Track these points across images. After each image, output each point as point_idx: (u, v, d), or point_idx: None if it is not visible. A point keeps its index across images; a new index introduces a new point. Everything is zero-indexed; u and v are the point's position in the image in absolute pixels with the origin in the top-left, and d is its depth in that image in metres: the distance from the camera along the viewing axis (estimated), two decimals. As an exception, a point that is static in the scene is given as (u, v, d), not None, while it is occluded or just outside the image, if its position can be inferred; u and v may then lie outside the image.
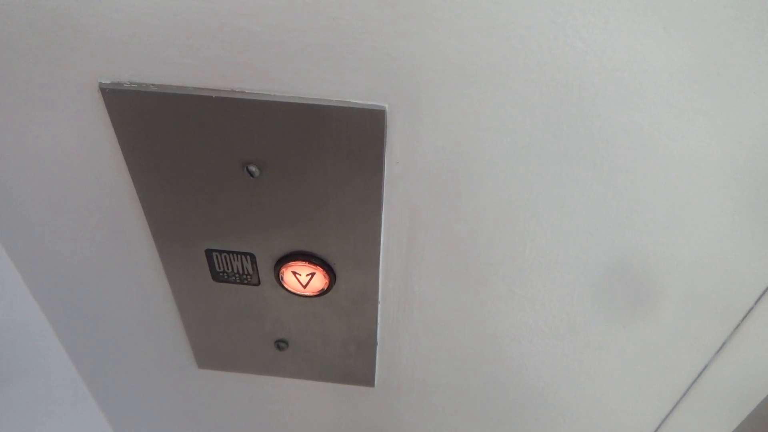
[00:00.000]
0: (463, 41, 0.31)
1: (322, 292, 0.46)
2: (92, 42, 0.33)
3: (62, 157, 0.40)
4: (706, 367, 0.48)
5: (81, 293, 0.51)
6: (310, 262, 0.44)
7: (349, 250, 0.43)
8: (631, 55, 0.31)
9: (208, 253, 0.45)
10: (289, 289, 0.46)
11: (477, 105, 0.34)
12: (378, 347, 0.52)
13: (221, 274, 0.46)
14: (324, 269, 0.44)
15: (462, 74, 0.32)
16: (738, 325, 0.45)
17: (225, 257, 0.45)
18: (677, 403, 0.53)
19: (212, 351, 0.55)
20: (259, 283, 0.47)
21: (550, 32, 0.30)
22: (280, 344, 0.52)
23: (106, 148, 0.39)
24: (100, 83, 0.35)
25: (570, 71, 0.32)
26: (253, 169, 0.38)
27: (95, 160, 0.40)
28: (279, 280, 0.45)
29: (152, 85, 0.35)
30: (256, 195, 0.40)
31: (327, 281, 0.45)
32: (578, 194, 0.38)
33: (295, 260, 0.44)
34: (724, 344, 0.46)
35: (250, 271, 0.46)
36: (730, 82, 0.32)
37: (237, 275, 0.46)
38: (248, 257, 0.45)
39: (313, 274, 0.45)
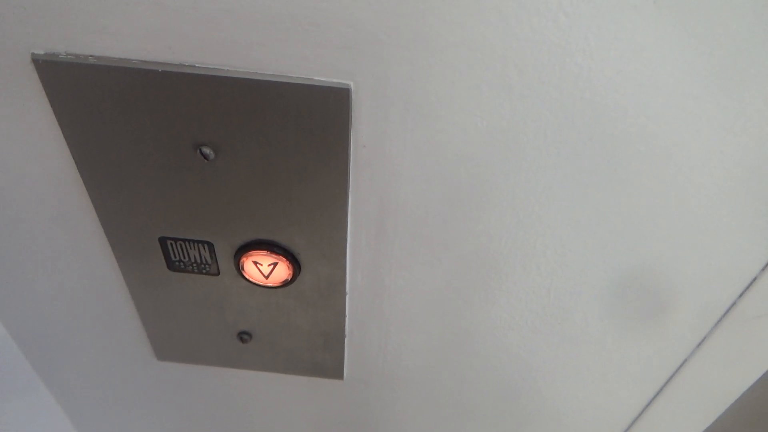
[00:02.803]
0: (434, 13, 0.28)
1: (286, 283, 0.43)
2: (22, 8, 0.30)
3: (-5, 136, 0.36)
4: (684, 361, 0.47)
5: (28, 286, 0.47)
6: (273, 252, 0.41)
7: (314, 239, 0.41)
8: (623, 36, 0.28)
9: (162, 241, 0.41)
10: (250, 279, 0.43)
11: (450, 85, 0.31)
12: (347, 340, 0.50)
13: (177, 263, 0.43)
14: (287, 259, 0.41)
15: (433, 51, 0.29)
16: (719, 321, 0.43)
17: (180, 246, 0.42)
18: (653, 397, 0.52)
19: (172, 343, 0.52)
20: (218, 273, 0.44)
21: (530, 4, 0.27)
22: (243, 336, 0.49)
23: (44, 128, 0.35)
24: (33, 54, 0.31)
25: (553, 49, 0.29)
26: (207, 151, 0.35)
27: (32, 141, 0.36)
28: (239, 270, 0.42)
29: (91, 56, 0.31)
30: (212, 179, 0.37)
31: (291, 271, 0.42)
32: (557, 184, 0.36)
33: (256, 249, 0.41)
34: (704, 339, 0.45)
35: (209, 261, 0.43)
36: (743, 86, 0.30)
37: (194, 265, 0.43)
38: (206, 246, 0.42)
39: (275, 264, 0.42)
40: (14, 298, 0.50)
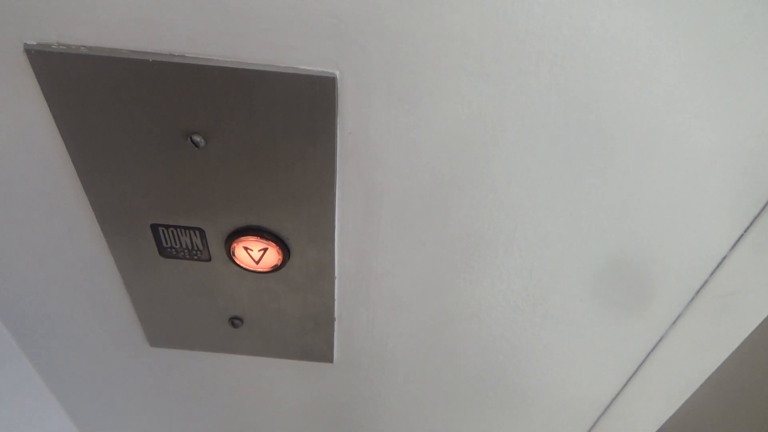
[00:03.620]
0: (413, 5, 0.29)
1: (276, 268, 0.44)
2: (14, -1, 0.31)
3: (-11, 126, 0.37)
4: (660, 339, 0.49)
5: (20, 272, 0.48)
6: (263, 237, 0.42)
7: (302, 225, 0.42)
8: (607, 22, 0.29)
9: (154, 227, 0.42)
10: (241, 265, 0.44)
11: (430, 73, 0.32)
12: (336, 323, 0.51)
13: (169, 249, 0.44)
14: (277, 245, 0.43)
15: (413, 41, 0.31)
16: (692, 299, 0.45)
17: (172, 232, 0.43)
18: (632, 375, 0.54)
19: (164, 329, 0.53)
20: (209, 259, 0.45)
21: (506, -4, 0.29)
22: (235, 321, 0.51)
23: (37, 117, 0.36)
24: (26, 44, 0.32)
25: (528, 37, 0.30)
26: (197, 139, 0.36)
27: (25, 130, 0.37)
28: (230, 255, 0.44)
29: (83, 47, 0.32)
30: (202, 166, 0.38)
31: (281, 257, 0.43)
32: (536, 168, 0.37)
33: (246, 235, 0.42)
34: (678, 317, 0.46)
35: (200, 247, 0.44)
36: (733, 76, 0.31)
37: (186, 251, 0.44)
38: (197, 232, 0.43)
39: (265, 250, 0.43)
40: (5, 283, 0.50)
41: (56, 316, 0.53)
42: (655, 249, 0.42)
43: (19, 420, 0.60)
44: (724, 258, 0.41)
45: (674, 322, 0.47)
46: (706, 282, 0.43)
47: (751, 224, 0.40)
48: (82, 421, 0.69)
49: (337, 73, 0.33)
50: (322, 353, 0.54)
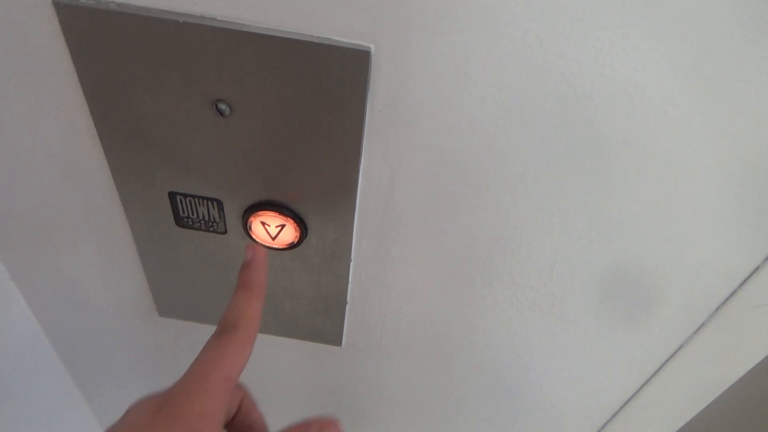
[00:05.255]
0: (461, -22, 0.28)
1: (292, 246, 0.43)
2: (46, -52, 0.30)
3: (11, 84, 0.36)
4: (680, 347, 0.48)
5: (36, 234, 0.48)
6: (281, 213, 0.41)
7: (323, 204, 0.41)
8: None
9: (172, 196, 0.42)
10: (257, 240, 0.43)
11: (469, 53, 0.31)
12: (348, 307, 0.51)
13: (185, 219, 0.43)
14: (295, 222, 0.42)
15: (454, 17, 0.29)
16: (717, 309, 0.43)
17: (190, 201, 0.42)
18: (646, 382, 0.52)
19: (174, 299, 0.52)
20: (225, 232, 0.44)
21: (556, -24, 0.27)
22: (246, 297, 0.50)
23: (62, 75, 0.35)
24: (54, -3, 0.31)
25: (574, 22, 0.29)
26: (223, 107, 0.35)
27: (48, 88, 0.36)
28: (247, 229, 0.43)
29: (112, 3, 0.31)
30: (226, 136, 0.37)
31: (297, 234, 0.42)
32: (569, 164, 0.36)
33: (264, 210, 0.41)
34: (701, 326, 0.45)
35: (217, 219, 0.43)
36: (725, 86, 0.30)
37: (202, 222, 0.43)
38: (215, 203, 0.42)
39: (283, 226, 0.42)
40: (21, 247, 0.50)
41: (68, 278, 0.53)
42: (682, 256, 0.40)
43: (25, 383, 0.60)
44: (756, 269, 0.40)
45: (696, 331, 0.46)
46: (734, 292, 0.42)
47: (785, 236, 0.38)
48: (87, 386, 0.69)
49: (372, 47, 0.31)
50: (331, 336, 0.54)
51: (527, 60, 0.31)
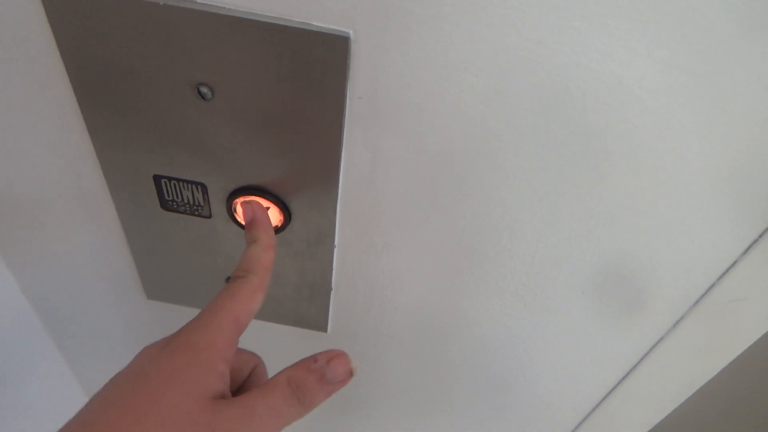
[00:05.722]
0: (438, -35, 0.28)
1: (276, 230, 0.44)
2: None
3: (-3, 59, 0.36)
4: (661, 339, 0.48)
5: (24, 216, 0.48)
6: (265, 198, 0.41)
7: (305, 189, 0.41)
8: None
9: (157, 179, 0.42)
10: (241, 223, 0.44)
11: (447, 40, 0.31)
12: (332, 293, 0.51)
13: (170, 202, 0.44)
14: (278, 207, 0.42)
15: (434, 2, 0.29)
16: (696, 303, 0.44)
17: (174, 185, 0.42)
18: (627, 373, 0.53)
19: (162, 283, 0.53)
20: (210, 216, 0.44)
21: (533, -37, 0.27)
22: (232, 281, 0.50)
23: (47, 57, 0.36)
24: (37, -24, 0.32)
25: (553, 10, 0.29)
26: (204, 90, 0.35)
27: (33, 68, 0.36)
28: (231, 213, 0.43)
29: (94, -16, 0.31)
30: (208, 120, 0.37)
31: (281, 218, 0.43)
32: (550, 154, 0.36)
33: (248, 194, 0.41)
34: (680, 319, 0.45)
35: (201, 203, 0.43)
36: (705, 78, 0.30)
37: (187, 205, 0.44)
38: (199, 187, 0.42)
39: (266, 210, 0.42)
40: (10, 228, 0.50)
41: (57, 259, 0.53)
42: (662, 247, 0.41)
43: (17, 362, 0.61)
44: (735, 262, 0.40)
45: (675, 324, 0.46)
46: (712, 285, 0.42)
47: (765, 231, 0.38)
48: (78, 366, 0.70)
49: (351, 33, 0.32)
50: (317, 322, 0.54)
51: (505, 47, 0.31)
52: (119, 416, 0.25)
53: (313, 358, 0.31)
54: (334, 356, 0.31)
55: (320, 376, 0.30)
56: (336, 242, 0.45)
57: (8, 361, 0.60)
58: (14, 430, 0.63)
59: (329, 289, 0.50)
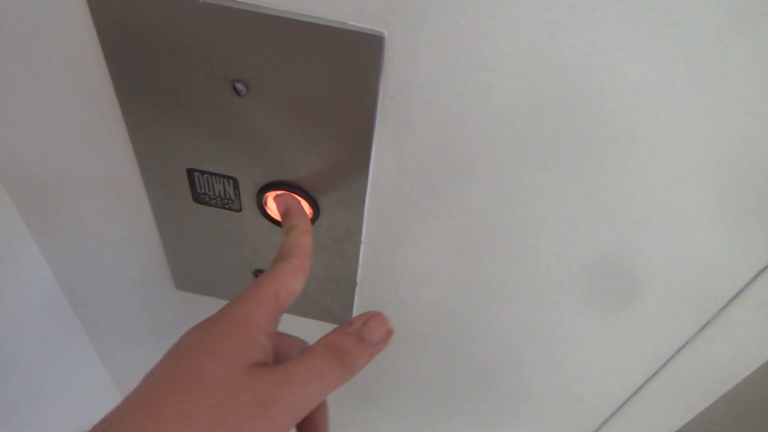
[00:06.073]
0: (474, -33, 0.28)
1: (304, 226, 0.45)
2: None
3: (41, 52, 0.38)
4: (685, 344, 0.48)
5: (59, 205, 0.50)
6: (294, 193, 0.42)
7: (335, 185, 0.42)
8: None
9: (190, 172, 0.43)
10: (271, 217, 0.45)
11: (481, 42, 0.31)
12: (357, 288, 0.52)
13: (202, 195, 0.45)
14: (308, 202, 0.43)
15: (468, 3, 0.30)
16: (723, 307, 0.43)
17: (207, 178, 0.43)
18: (650, 378, 0.52)
19: (190, 273, 0.54)
20: (240, 210, 0.45)
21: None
22: (259, 274, 0.51)
23: (88, 50, 0.37)
24: (83, -26, 0.33)
25: (587, 15, 0.29)
26: (240, 86, 0.36)
27: (74, 60, 0.38)
28: (261, 208, 0.44)
29: (137, -18, 0.32)
30: (242, 115, 0.38)
31: (310, 214, 0.43)
32: (578, 155, 0.36)
33: (278, 189, 0.42)
34: (705, 325, 0.45)
35: (232, 196, 0.44)
36: (712, 78, 0.30)
37: (218, 198, 0.45)
38: (231, 181, 0.43)
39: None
40: (44, 216, 0.52)
41: (90, 247, 0.55)
42: (690, 251, 0.40)
43: (46, 345, 0.63)
44: (764, 268, 0.40)
45: (702, 329, 0.46)
46: (741, 291, 0.42)
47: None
48: (105, 351, 0.72)
49: (386, 33, 0.32)
50: (340, 316, 0.55)
51: (538, 50, 0.31)
52: (165, 387, 0.26)
53: (350, 322, 0.31)
54: (370, 317, 0.31)
55: (359, 338, 0.30)
56: (363, 238, 0.46)
57: (39, 344, 0.62)
58: (41, 413, 0.65)
59: (354, 284, 0.51)
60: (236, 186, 0.43)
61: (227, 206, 0.45)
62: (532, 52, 0.31)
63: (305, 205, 0.43)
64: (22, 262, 0.56)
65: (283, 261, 0.33)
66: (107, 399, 0.78)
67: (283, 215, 0.38)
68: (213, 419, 0.25)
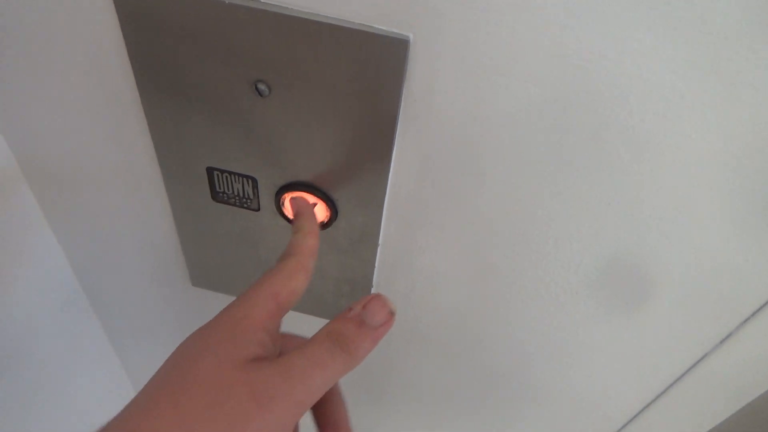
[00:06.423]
0: (502, -28, 0.28)
1: (322, 227, 0.45)
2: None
3: (66, 49, 0.38)
4: (705, 356, 0.47)
5: (80, 199, 0.50)
6: (313, 194, 0.42)
7: (354, 188, 0.42)
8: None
9: (210, 170, 0.43)
10: (288, 218, 0.45)
11: (506, 47, 0.31)
12: (372, 290, 0.52)
13: (221, 194, 0.45)
14: (326, 203, 0.43)
15: (494, 8, 0.30)
16: (746, 321, 0.43)
17: (226, 177, 0.43)
18: (667, 388, 0.52)
19: (207, 271, 0.54)
20: (258, 209, 0.45)
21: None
22: (275, 273, 0.51)
23: (112, 45, 0.37)
24: (110, -27, 0.33)
25: (612, 20, 0.29)
26: (262, 87, 0.36)
27: (98, 56, 0.38)
28: (279, 208, 0.44)
29: (164, -19, 0.33)
30: (263, 116, 0.38)
31: (328, 215, 0.43)
32: (602, 164, 0.36)
33: (297, 190, 0.42)
34: (726, 338, 0.44)
35: (251, 196, 0.44)
36: (732, 79, 0.29)
37: (237, 198, 0.45)
38: (250, 181, 0.43)
39: (314, 206, 0.43)
40: (65, 211, 0.53)
41: (109, 242, 0.55)
42: (714, 259, 0.40)
43: (64, 339, 0.63)
44: (788, 282, 0.39)
45: (724, 340, 0.45)
46: (758, 310, 0.41)
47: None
48: (120, 344, 0.73)
49: (411, 36, 0.32)
50: (355, 317, 0.55)
51: (564, 57, 0.31)
52: (161, 389, 0.26)
53: (349, 308, 0.30)
54: (370, 299, 0.30)
55: (360, 322, 0.29)
56: (380, 240, 0.46)
57: (56, 336, 0.62)
58: (57, 405, 0.66)
59: (369, 286, 0.51)
60: (255, 186, 0.44)
61: (245, 205, 0.45)
62: (557, 57, 0.31)
63: (323, 207, 0.43)
64: (41, 256, 0.56)
65: (284, 261, 0.33)
66: (121, 392, 0.79)
67: (294, 218, 0.39)
68: (209, 415, 0.24)
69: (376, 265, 0.49)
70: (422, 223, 0.44)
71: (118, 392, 0.77)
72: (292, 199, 0.42)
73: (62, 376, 0.65)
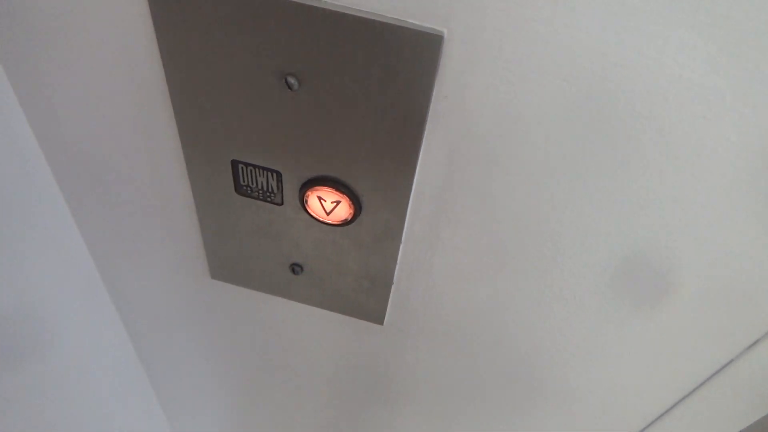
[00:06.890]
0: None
1: (345, 222, 0.44)
2: None
3: (97, 40, 0.38)
4: (728, 363, 0.46)
5: (104, 189, 0.50)
6: (338, 190, 0.42)
7: (379, 184, 0.41)
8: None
9: (234, 163, 0.43)
10: (311, 213, 0.44)
11: (542, 44, 0.30)
12: (393, 287, 0.51)
13: (245, 187, 0.45)
14: (350, 199, 0.42)
15: (532, 5, 0.29)
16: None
17: (251, 171, 0.43)
18: (687, 395, 0.51)
19: (227, 264, 0.54)
20: (282, 203, 0.45)
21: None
22: (295, 268, 0.51)
23: (142, 37, 0.37)
24: (143, -37, 0.33)
25: (655, 19, 0.28)
26: (292, 81, 0.36)
27: (128, 46, 0.38)
28: (303, 203, 0.44)
29: (197, -28, 0.32)
30: (291, 109, 0.38)
31: (352, 212, 0.43)
32: (635, 165, 0.35)
33: (322, 185, 0.42)
34: (754, 344, 0.44)
35: (275, 190, 0.44)
36: (755, 75, 0.28)
37: (260, 191, 0.45)
38: (274, 174, 0.43)
39: (338, 203, 0.43)
40: (89, 199, 0.53)
41: (130, 233, 0.55)
42: (749, 264, 0.39)
43: (82, 328, 0.64)
44: (822, 290, 0.38)
45: (749, 348, 0.44)
46: (795, 312, 0.40)
47: None
48: (138, 336, 0.73)
49: (446, 32, 0.31)
50: (374, 314, 0.55)
51: (603, 55, 0.30)
52: None
53: None
54: None
55: None
56: (403, 238, 0.46)
57: (75, 327, 0.63)
58: (74, 396, 0.67)
59: (390, 283, 0.50)
60: (279, 179, 0.43)
61: (269, 199, 0.45)
62: (597, 55, 0.30)
63: (346, 203, 0.42)
64: (62, 246, 0.56)
65: None
66: (136, 383, 0.79)
67: None
68: None
69: (398, 262, 0.48)
70: (447, 222, 0.43)
71: (133, 383, 0.78)
72: None
73: (80, 366, 0.66)
